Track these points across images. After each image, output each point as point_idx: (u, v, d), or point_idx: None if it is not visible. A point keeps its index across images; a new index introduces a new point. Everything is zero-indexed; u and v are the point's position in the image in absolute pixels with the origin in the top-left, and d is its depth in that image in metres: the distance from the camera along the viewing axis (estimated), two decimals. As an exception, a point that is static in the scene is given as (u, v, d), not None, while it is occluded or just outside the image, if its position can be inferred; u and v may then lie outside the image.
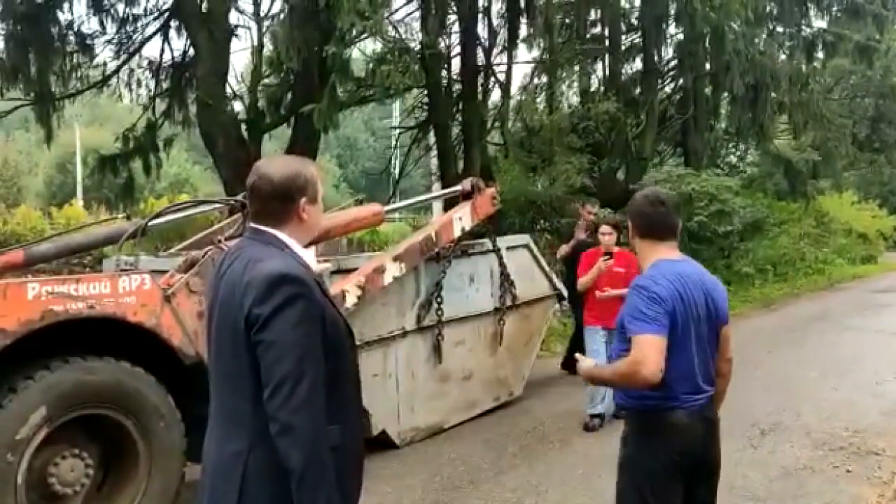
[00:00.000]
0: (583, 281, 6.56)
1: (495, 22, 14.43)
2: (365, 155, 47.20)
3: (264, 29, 11.49)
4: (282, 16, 9.07)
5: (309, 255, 2.40)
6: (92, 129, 38.15)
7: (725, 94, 16.98)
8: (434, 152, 15.50)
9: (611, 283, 6.38)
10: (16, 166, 37.51)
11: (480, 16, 13.95)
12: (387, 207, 5.87)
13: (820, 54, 20.47)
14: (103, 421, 3.98)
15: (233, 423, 2.23)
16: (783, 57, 19.44)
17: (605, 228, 6.60)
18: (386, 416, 5.84)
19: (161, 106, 13.54)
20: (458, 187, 6.39)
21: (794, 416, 6.94)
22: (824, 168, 22.04)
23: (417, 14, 13.02)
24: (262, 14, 11.91)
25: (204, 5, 11.26)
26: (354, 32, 8.11)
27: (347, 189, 45.77)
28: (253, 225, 2.34)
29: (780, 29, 19.87)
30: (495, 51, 14.74)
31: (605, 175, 15.02)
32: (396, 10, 13.07)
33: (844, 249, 23.25)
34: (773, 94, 16.55)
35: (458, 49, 14.16)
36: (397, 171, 17.81)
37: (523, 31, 15.33)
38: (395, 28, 12.76)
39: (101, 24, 13.00)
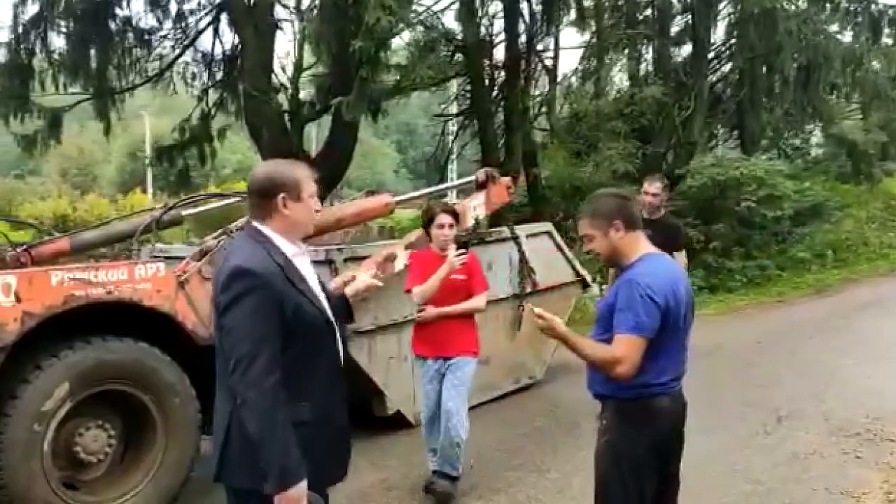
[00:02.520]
0: (422, 291, 4.76)
1: (538, 8, 14.45)
2: (423, 140, 47.58)
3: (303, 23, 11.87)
4: (314, 11, 9.37)
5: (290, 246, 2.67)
6: (161, 119, 39.49)
7: (778, 76, 16.60)
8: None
9: (452, 295, 4.82)
10: (90, 155, 39.27)
11: (523, 2, 14.02)
12: (397, 198, 6.10)
13: (887, 30, 19.78)
14: (125, 396, 4.34)
15: (223, 389, 2.62)
16: (849, 35, 18.91)
17: (443, 218, 4.82)
18: (401, 397, 6.09)
19: (214, 97, 14.09)
20: (473, 177, 6.58)
21: (817, 403, 6.92)
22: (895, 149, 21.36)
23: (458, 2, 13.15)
24: (303, 8, 12.29)
25: (251, 0, 11.68)
26: (383, 26, 8.32)
27: (407, 175, 46.32)
28: (248, 219, 2.71)
29: (845, 5, 19.30)
30: (539, 36, 14.76)
31: (650, 160, 14.92)
32: (437, 2, 13.28)
33: (914, 234, 22.45)
34: (828, 75, 16.11)
35: (501, 36, 14.28)
36: (446, 157, 18.03)
37: (571, 14, 15.42)
38: (437, 17, 13.00)
39: (158, 19, 13.61)
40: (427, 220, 4.95)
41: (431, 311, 4.79)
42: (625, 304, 2.88)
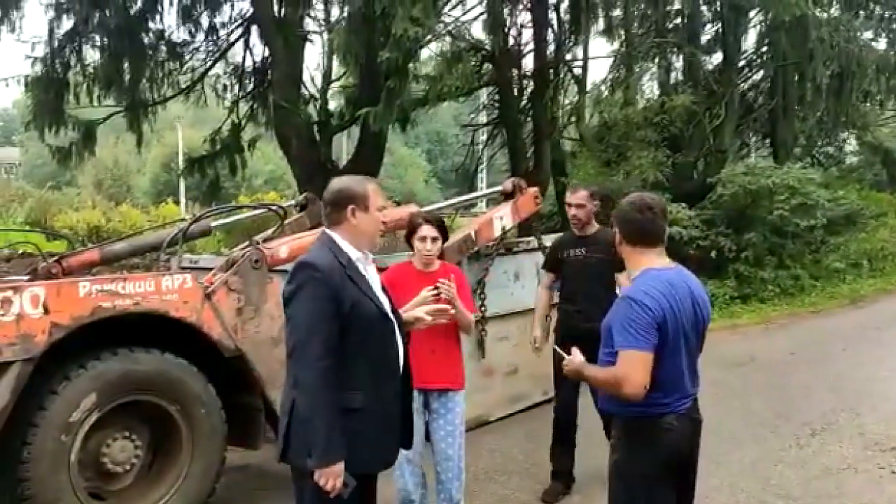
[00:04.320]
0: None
1: (566, 17, 14.43)
2: (453, 149, 47.66)
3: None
4: (342, 23, 9.44)
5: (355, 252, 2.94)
6: (195, 130, 39.98)
7: (810, 84, 16.41)
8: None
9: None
10: (125, 166, 39.91)
11: (552, 12, 14.00)
12: (425, 208, 6.09)
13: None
14: (151, 407, 4.35)
15: (288, 374, 2.86)
16: (883, 42, 18.68)
17: (426, 230, 4.10)
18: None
19: (245, 108, 14.23)
20: (500, 187, 6.56)
21: (851, 416, 6.80)
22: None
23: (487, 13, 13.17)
24: (331, 20, 12.38)
25: (280, 13, 11.79)
26: (410, 37, 8.35)
27: (437, 184, 46.38)
28: (322, 226, 3.06)
29: (879, 12, 19.05)
30: (567, 45, 14.75)
31: (680, 169, 14.79)
32: (468, 11, 13.32)
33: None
34: (862, 82, 15.89)
35: (530, 46, 14.28)
36: (475, 166, 18.03)
37: (600, 24, 15.40)
38: (465, 27, 13.03)
39: (190, 33, 13.80)
40: (409, 231, 4.21)
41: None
42: (620, 322, 2.81)
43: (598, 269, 4.99)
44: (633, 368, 2.76)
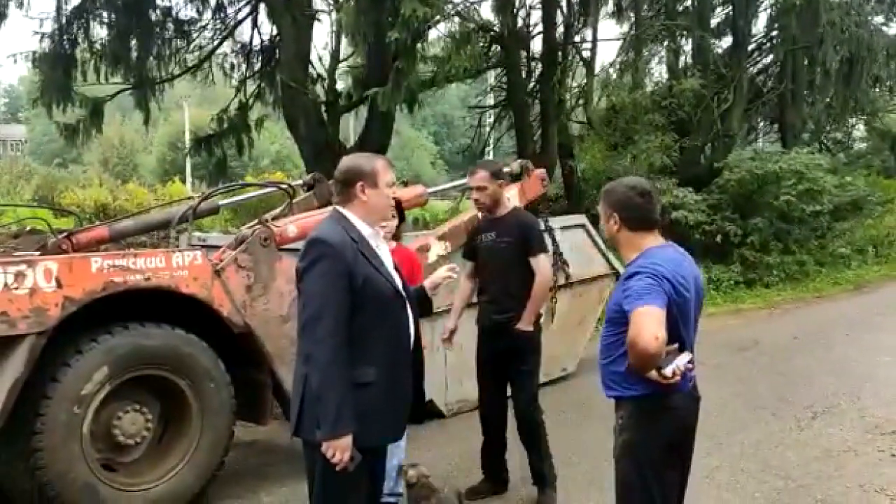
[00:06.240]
0: None
1: (575, -1, 14.37)
2: (460, 131, 47.56)
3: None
4: (350, 2, 9.40)
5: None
6: (202, 109, 39.99)
7: (819, 69, 16.35)
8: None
9: None
10: (132, 145, 39.97)
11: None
12: (430, 189, 6.12)
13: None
14: (161, 381, 4.42)
15: (300, 351, 2.89)
16: (894, 27, 18.58)
17: None
18: (433, 387, 6.12)
19: (252, 88, 14.18)
20: (507, 169, 6.56)
21: (852, 400, 6.87)
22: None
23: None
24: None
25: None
26: (419, 17, 8.33)
27: (444, 166, 46.33)
28: (334, 204, 3.14)
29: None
30: (576, 27, 14.68)
31: (688, 153, 14.78)
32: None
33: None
34: (871, 68, 15.82)
35: (538, 27, 14.21)
36: (481, 148, 17.96)
37: (609, 6, 15.32)
38: (474, 7, 12.99)
39: (198, 10, 13.74)
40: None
41: None
42: (628, 290, 2.75)
43: (508, 255, 4.50)
44: (644, 323, 2.61)
